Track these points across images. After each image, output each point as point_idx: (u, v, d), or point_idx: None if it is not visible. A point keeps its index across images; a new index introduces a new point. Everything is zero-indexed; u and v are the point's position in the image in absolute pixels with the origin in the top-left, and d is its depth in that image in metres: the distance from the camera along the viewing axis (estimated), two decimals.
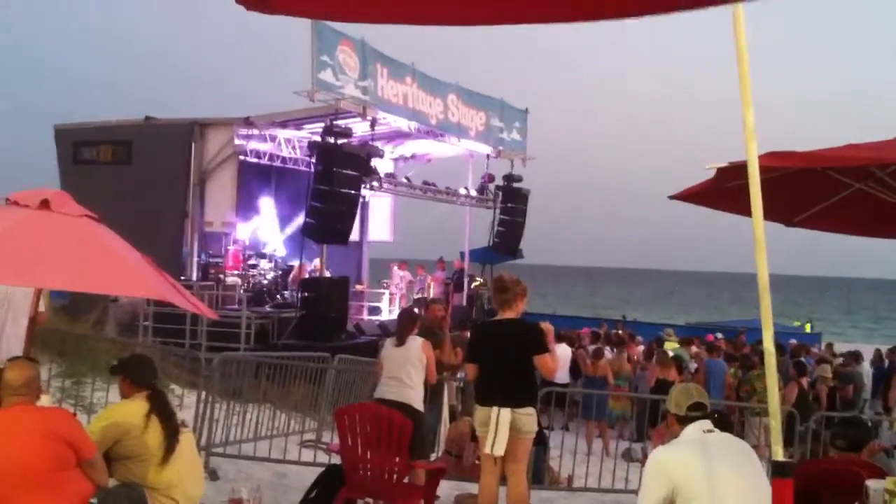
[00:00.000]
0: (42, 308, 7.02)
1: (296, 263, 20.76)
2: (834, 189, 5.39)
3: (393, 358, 7.76)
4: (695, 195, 5.30)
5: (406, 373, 7.65)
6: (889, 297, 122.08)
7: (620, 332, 20.47)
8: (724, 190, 4.80)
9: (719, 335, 21.54)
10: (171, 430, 4.93)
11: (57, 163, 20.80)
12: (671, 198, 5.45)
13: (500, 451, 6.44)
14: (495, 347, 6.67)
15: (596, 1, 1.93)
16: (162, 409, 4.97)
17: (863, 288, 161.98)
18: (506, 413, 6.38)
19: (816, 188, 5.43)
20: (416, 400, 7.69)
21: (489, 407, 6.44)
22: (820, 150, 4.55)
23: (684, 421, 4.16)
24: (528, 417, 6.46)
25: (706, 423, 4.11)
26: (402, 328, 7.93)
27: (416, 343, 7.74)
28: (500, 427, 6.38)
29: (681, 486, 3.82)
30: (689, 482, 3.82)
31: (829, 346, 23.65)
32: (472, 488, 8.77)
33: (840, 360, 18.96)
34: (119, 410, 5.04)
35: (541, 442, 6.66)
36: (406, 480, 7.14)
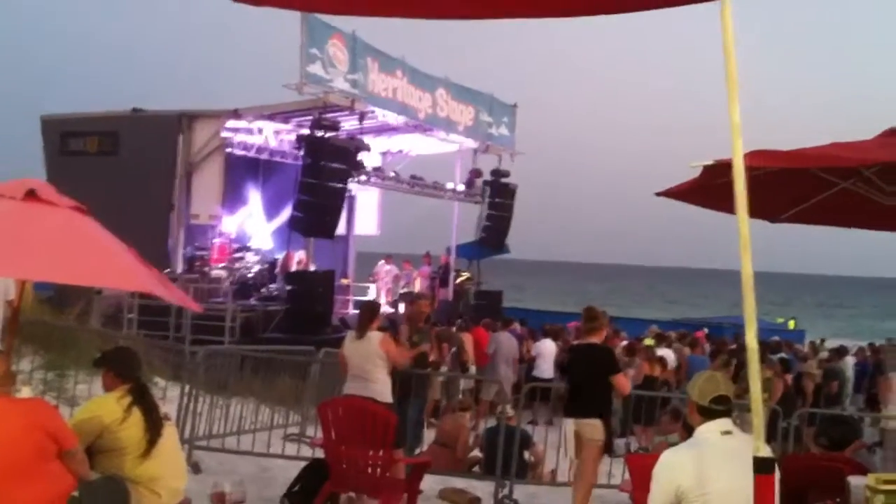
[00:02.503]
0: (11, 296, 6.98)
1: (282, 256, 20.72)
2: (819, 187, 5.41)
3: (353, 355, 7.74)
4: (681, 193, 5.32)
5: (367, 370, 7.64)
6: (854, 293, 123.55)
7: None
8: (709, 187, 4.81)
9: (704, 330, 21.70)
10: (154, 424, 4.91)
11: (43, 153, 20.68)
12: (658, 195, 5.47)
13: (570, 454, 7.56)
14: (576, 368, 7.71)
15: None
16: (144, 403, 4.95)
17: (840, 285, 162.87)
18: (570, 423, 7.39)
19: (802, 186, 5.45)
20: (383, 393, 7.68)
21: (565, 418, 7.55)
22: (804, 148, 4.57)
23: (705, 413, 3.84)
24: (591, 427, 7.29)
25: (725, 423, 3.80)
26: (362, 321, 7.90)
27: (375, 338, 7.70)
28: (567, 435, 7.43)
29: (684, 491, 3.69)
30: (692, 488, 3.67)
31: (814, 342, 23.78)
32: (458, 483, 8.79)
33: (824, 355, 19.12)
34: (101, 404, 5.01)
35: (609, 450, 7.67)
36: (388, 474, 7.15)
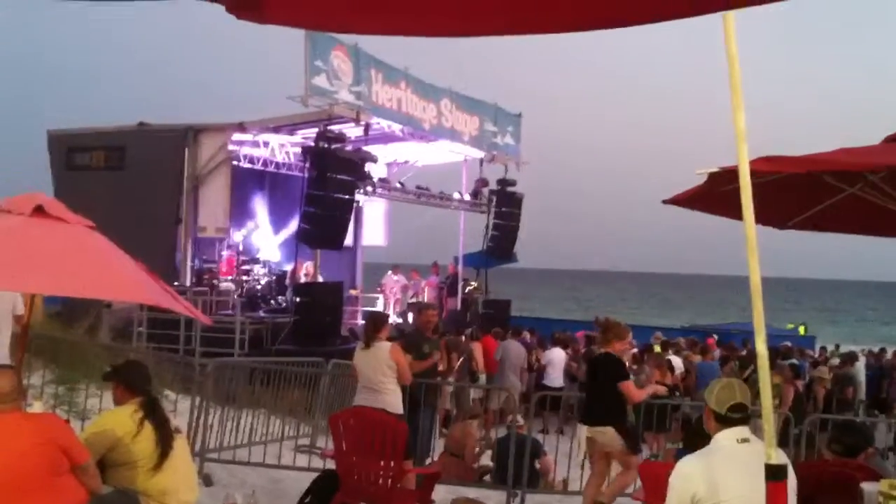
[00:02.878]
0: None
1: (290, 268, 20.76)
2: (827, 193, 5.40)
3: (362, 365, 7.74)
4: (688, 199, 5.32)
5: (377, 380, 7.64)
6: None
7: None
8: (717, 194, 4.81)
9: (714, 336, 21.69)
10: (165, 437, 4.92)
11: (50, 168, 20.75)
12: (665, 202, 5.47)
13: (580, 458, 8.02)
14: (588, 377, 8.30)
15: (587, 11, 1.94)
16: (156, 416, 4.96)
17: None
18: (582, 429, 7.62)
19: (810, 192, 5.44)
20: (393, 404, 7.68)
21: (579, 424, 7.81)
22: (812, 154, 4.57)
23: (722, 421, 3.84)
24: (602, 434, 7.48)
25: (743, 431, 3.80)
26: (368, 331, 7.92)
27: (384, 348, 7.69)
28: (580, 440, 7.68)
29: (700, 499, 3.68)
30: (708, 497, 3.66)
31: (825, 348, 23.76)
32: (469, 492, 8.78)
33: (835, 361, 19.09)
34: (112, 418, 5.03)
35: (636, 451, 7.81)
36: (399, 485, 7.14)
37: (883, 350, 22.39)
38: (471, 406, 13.59)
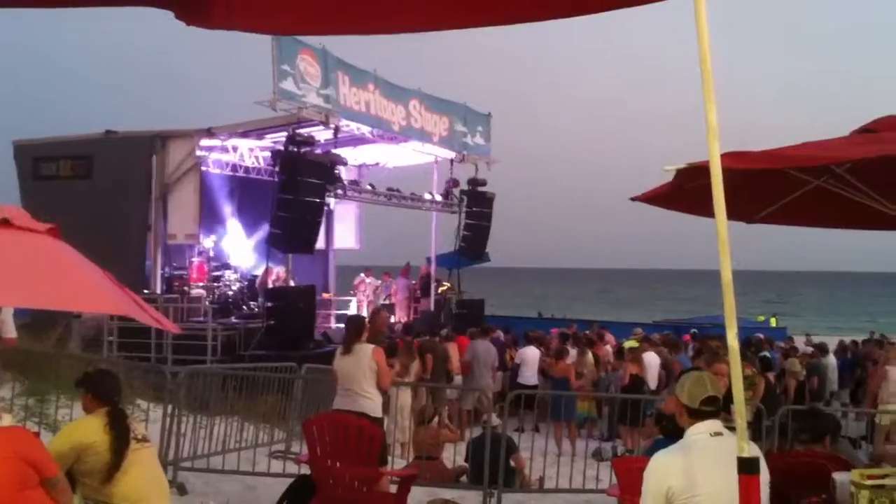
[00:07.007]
0: (13, 334, 6.88)
1: (261, 273, 20.65)
2: (793, 186, 5.45)
3: (344, 368, 7.69)
4: (655, 197, 5.34)
5: (358, 383, 7.59)
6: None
7: (589, 332, 20.56)
8: (683, 191, 4.83)
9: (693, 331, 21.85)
10: (120, 447, 4.84)
11: (17, 179, 20.54)
12: (633, 199, 5.49)
13: None
14: None
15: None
16: (119, 426, 4.90)
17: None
18: None
19: (776, 186, 5.49)
20: (373, 409, 7.64)
21: None
22: (777, 149, 4.60)
23: (695, 415, 3.82)
24: None
25: (715, 424, 3.78)
26: (349, 336, 7.87)
27: (365, 351, 7.65)
28: None
29: (675, 493, 3.67)
30: (683, 490, 3.66)
31: (791, 339, 23.94)
32: (445, 493, 8.77)
33: (809, 349, 19.26)
34: (78, 428, 4.98)
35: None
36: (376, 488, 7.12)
37: (854, 341, 22.57)
38: (424, 407, 13.38)
